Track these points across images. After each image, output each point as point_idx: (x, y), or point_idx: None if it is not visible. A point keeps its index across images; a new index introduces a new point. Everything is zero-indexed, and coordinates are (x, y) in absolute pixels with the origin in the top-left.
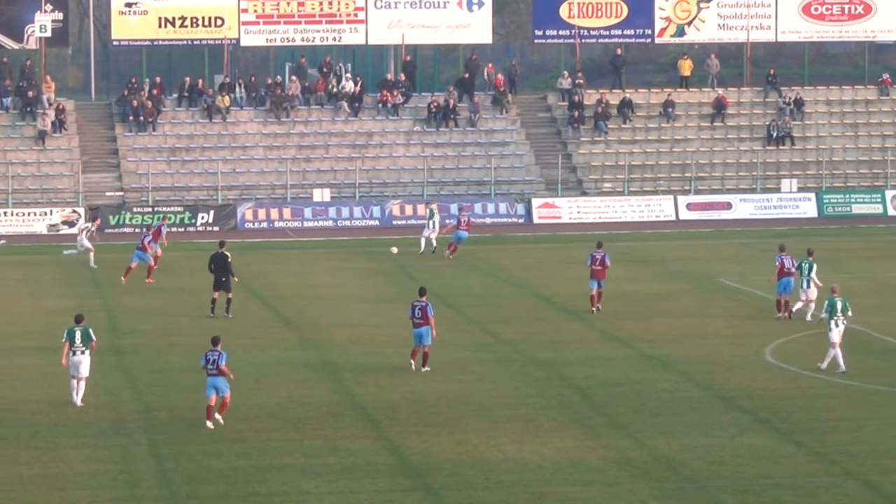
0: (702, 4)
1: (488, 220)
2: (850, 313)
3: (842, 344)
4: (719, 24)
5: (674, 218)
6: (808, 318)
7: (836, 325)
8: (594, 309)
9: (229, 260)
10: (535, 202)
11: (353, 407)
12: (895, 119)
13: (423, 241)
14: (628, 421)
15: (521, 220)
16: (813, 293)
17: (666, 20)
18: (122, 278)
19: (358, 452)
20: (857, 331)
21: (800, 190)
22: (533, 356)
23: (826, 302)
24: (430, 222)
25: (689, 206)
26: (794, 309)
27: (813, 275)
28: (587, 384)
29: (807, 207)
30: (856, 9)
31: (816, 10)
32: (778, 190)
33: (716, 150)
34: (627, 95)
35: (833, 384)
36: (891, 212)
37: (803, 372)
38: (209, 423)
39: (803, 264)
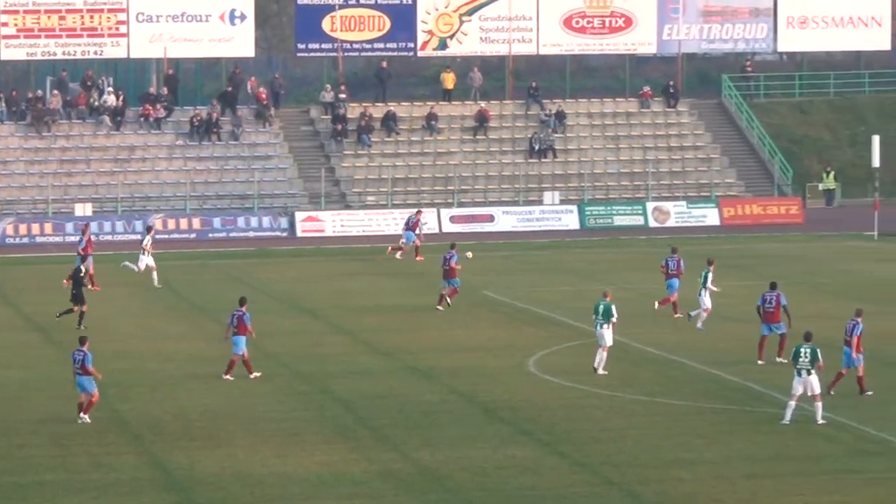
0: (464, 18)
1: (251, 234)
2: (614, 319)
3: (608, 347)
4: (481, 38)
5: (437, 230)
6: (699, 325)
7: (603, 328)
8: (441, 306)
9: (81, 274)
10: (299, 215)
11: (117, 422)
12: (656, 131)
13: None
14: (392, 433)
15: (284, 234)
16: (708, 301)
17: (428, 33)
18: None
19: (122, 468)
20: (619, 341)
21: (562, 202)
22: (297, 369)
23: (595, 305)
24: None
25: (453, 219)
26: (692, 313)
27: (709, 284)
28: (351, 397)
29: (569, 220)
30: (616, 22)
31: (578, 23)
32: (540, 202)
33: (478, 163)
34: (391, 108)
35: (594, 395)
36: (652, 224)
37: (565, 383)
38: (82, 418)
39: (703, 273)
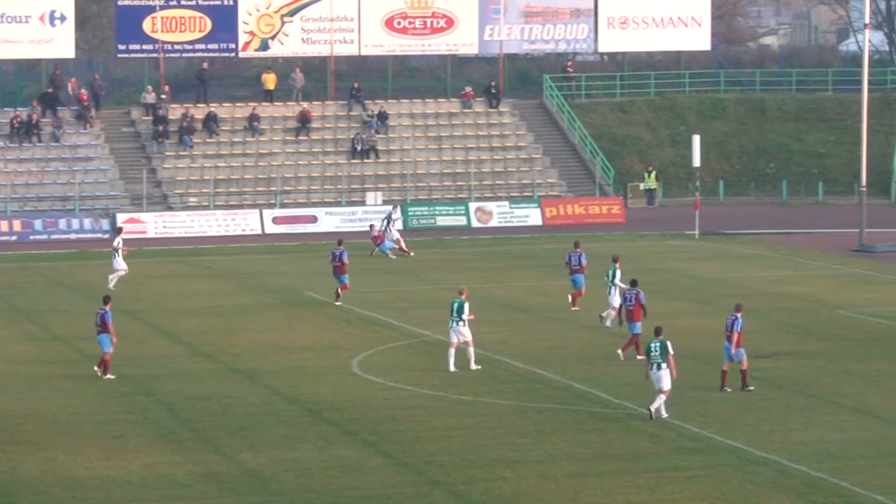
0: (285, 19)
1: (73, 236)
2: (466, 315)
3: (472, 342)
4: (303, 38)
5: (260, 232)
6: (607, 324)
7: (458, 325)
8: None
9: None
10: (120, 217)
11: None
12: (478, 132)
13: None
14: (215, 435)
15: (106, 236)
16: (617, 300)
17: (250, 34)
18: None
19: None
20: (443, 342)
21: (385, 203)
22: (120, 372)
23: (451, 303)
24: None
25: (275, 220)
26: (603, 315)
27: (617, 280)
28: (174, 399)
29: None
30: (438, 23)
31: (399, 24)
32: (363, 203)
33: (301, 164)
34: (212, 109)
35: (419, 395)
36: (475, 224)
37: (390, 383)
38: None
39: (609, 271)
